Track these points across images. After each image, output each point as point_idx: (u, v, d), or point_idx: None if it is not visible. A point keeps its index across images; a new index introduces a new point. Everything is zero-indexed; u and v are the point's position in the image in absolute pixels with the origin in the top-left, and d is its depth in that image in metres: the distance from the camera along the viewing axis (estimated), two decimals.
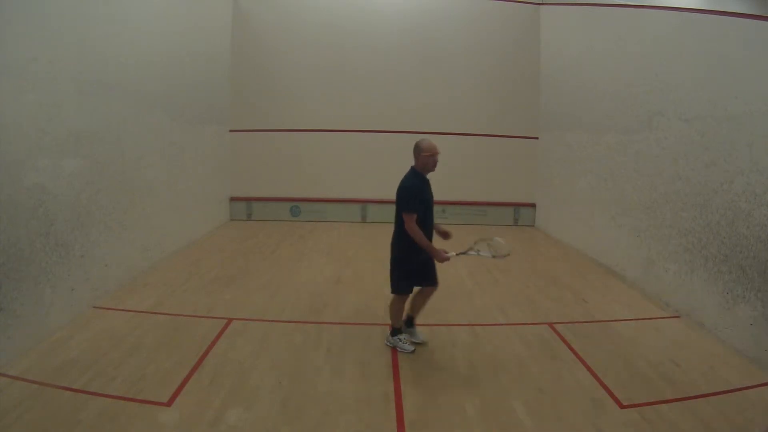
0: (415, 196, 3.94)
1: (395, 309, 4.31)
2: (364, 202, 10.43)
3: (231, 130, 10.18)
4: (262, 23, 10.21)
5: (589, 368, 4.08)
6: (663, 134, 5.90)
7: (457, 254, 4.07)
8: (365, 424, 3.27)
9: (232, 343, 4.44)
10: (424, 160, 4.04)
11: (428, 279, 4.28)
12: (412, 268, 4.13)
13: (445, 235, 4.30)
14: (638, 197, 6.37)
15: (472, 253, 4.25)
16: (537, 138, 10.31)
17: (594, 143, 7.76)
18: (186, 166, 7.86)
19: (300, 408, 3.43)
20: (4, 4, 3.95)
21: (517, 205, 10.51)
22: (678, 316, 5.32)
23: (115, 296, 5.47)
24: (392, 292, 4.24)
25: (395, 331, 4.38)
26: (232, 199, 10.38)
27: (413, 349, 4.29)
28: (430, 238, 4.09)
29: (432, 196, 4.18)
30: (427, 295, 4.39)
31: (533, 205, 10.46)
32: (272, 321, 4.98)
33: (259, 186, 10.39)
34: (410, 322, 4.48)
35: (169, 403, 3.43)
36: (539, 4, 10.17)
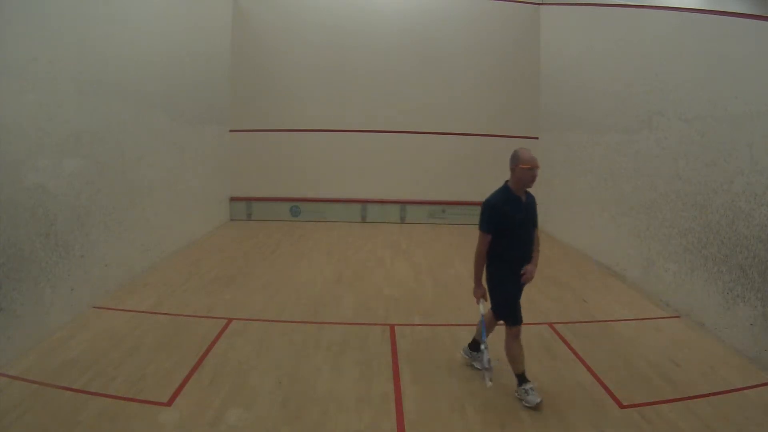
0: (491, 214, 3.48)
1: (509, 347, 3.61)
2: (364, 202, 10.43)
3: (231, 130, 10.18)
4: (262, 23, 10.22)
5: (589, 368, 4.08)
6: (663, 134, 5.89)
7: (482, 315, 3.68)
8: (365, 424, 3.27)
9: (232, 343, 4.44)
10: (521, 173, 3.47)
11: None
12: (508, 292, 3.57)
13: (524, 274, 3.56)
14: (638, 197, 6.37)
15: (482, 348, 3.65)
16: (537, 138, 10.30)
17: (594, 143, 7.76)
18: (186, 166, 7.87)
19: (300, 408, 3.43)
20: (4, 4, 3.95)
21: None
22: (678, 316, 5.32)
23: (115, 296, 5.47)
24: (498, 319, 3.72)
25: (520, 379, 3.59)
26: (232, 199, 10.38)
27: (539, 400, 3.47)
28: (516, 267, 3.53)
29: (528, 217, 3.57)
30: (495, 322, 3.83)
31: None
32: (272, 321, 4.98)
33: (259, 186, 10.39)
34: (476, 346, 3.95)
35: (169, 403, 3.43)
36: (539, 4, 10.17)
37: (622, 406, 3.52)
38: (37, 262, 4.30)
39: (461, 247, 8.43)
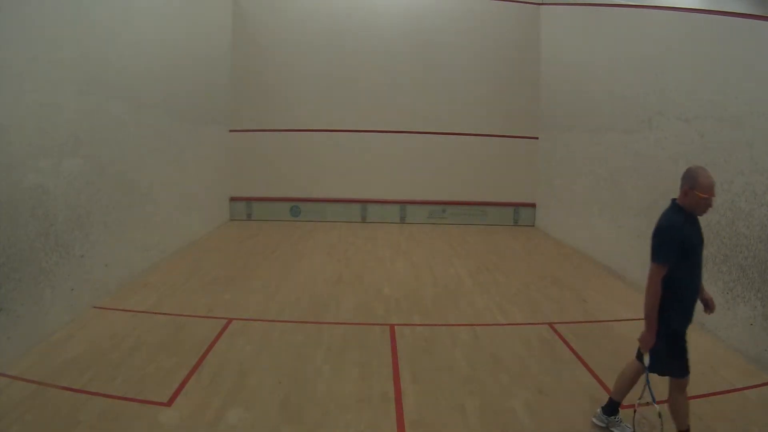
0: (672, 240, 2.86)
1: (674, 401, 3.00)
2: (364, 202, 10.43)
3: (231, 130, 10.18)
4: (263, 24, 10.22)
5: (589, 368, 4.08)
6: (663, 134, 5.90)
7: (647, 367, 2.98)
8: (365, 424, 3.27)
9: (232, 343, 4.44)
10: (695, 200, 2.87)
11: None
12: (682, 338, 2.97)
13: (708, 305, 3.10)
14: (638, 197, 6.37)
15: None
16: (537, 138, 10.32)
17: (594, 143, 7.76)
18: (186, 166, 7.86)
19: (300, 408, 3.43)
20: (4, 4, 3.95)
21: (517, 205, 10.51)
22: None
23: (115, 296, 5.47)
24: (650, 368, 3.02)
25: None
26: (232, 199, 10.38)
27: None
28: (689, 303, 2.99)
29: (702, 242, 3.02)
30: (639, 373, 3.16)
31: (533, 205, 10.46)
32: (272, 321, 4.98)
33: (259, 186, 10.40)
34: (613, 408, 3.28)
35: (169, 403, 3.43)
36: (539, 4, 10.18)
37: (622, 407, 3.51)
38: (37, 262, 4.30)
39: (461, 247, 8.43)
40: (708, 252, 4.96)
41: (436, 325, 4.98)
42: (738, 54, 4.79)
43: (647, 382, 3.00)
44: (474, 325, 5.00)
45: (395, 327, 4.88)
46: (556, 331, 4.86)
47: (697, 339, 4.76)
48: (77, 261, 4.89)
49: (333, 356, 4.23)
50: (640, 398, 3.03)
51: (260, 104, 10.28)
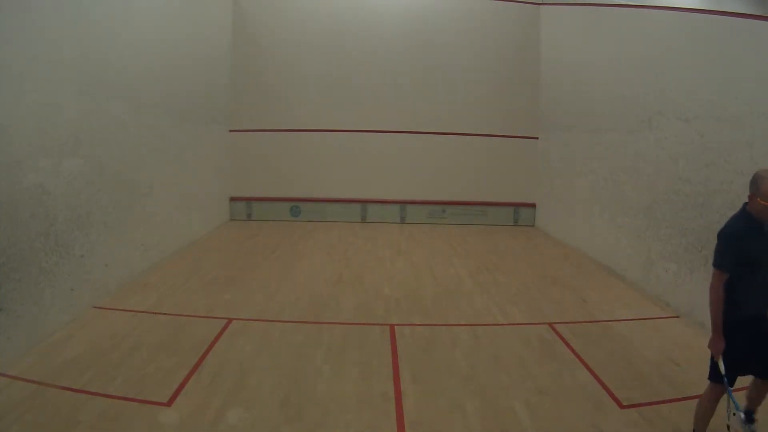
0: (729, 248, 2.84)
1: (703, 406, 3.03)
2: (364, 202, 10.43)
3: (231, 130, 10.18)
4: (263, 24, 10.22)
5: (589, 368, 4.08)
6: (663, 134, 5.90)
7: (725, 376, 2.86)
8: (365, 424, 3.27)
9: (232, 343, 4.44)
10: (758, 207, 2.77)
11: (763, 365, 2.97)
12: (737, 347, 2.87)
13: None
14: (638, 197, 6.37)
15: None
16: (537, 138, 10.32)
17: (594, 143, 7.76)
18: (186, 166, 7.86)
19: (300, 408, 3.43)
20: (4, 4, 3.95)
21: (517, 205, 10.51)
22: (678, 316, 5.32)
23: (115, 296, 5.47)
24: (709, 378, 3.00)
25: None
26: (232, 199, 10.38)
27: None
28: (759, 313, 2.91)
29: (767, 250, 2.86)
30: (762, 389, 3.09)
31: (533, 205, 10.46)
32: (272, 321, 4.98)
33: (259, 186, 10.39)
34: (750, 417, 3.17)
35: (169, 403, 3.43)
36: (539, 4, 10.18)
37: (622, 406, 3.52)
38: (37, 262, 4.30)
39: (461, 247, 8.43)
40: (708, 252, 4.95)
41: (436, 325, 4.98)
42: (738, 54, 4.79)
43: (729, 392, 2.88)
44: (474, 325, 5.00)
45: (395, 327, 4.88)
46: (556, 331, 4.86)
47: (697, 339, 4.76)
48: (77, 261, 4.89)
49: (333, 356, 4.23)
50: (728, 409, 2.92)
51: (260, 104, 10.28)
